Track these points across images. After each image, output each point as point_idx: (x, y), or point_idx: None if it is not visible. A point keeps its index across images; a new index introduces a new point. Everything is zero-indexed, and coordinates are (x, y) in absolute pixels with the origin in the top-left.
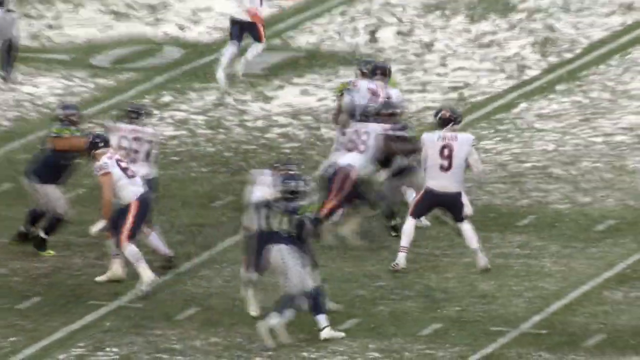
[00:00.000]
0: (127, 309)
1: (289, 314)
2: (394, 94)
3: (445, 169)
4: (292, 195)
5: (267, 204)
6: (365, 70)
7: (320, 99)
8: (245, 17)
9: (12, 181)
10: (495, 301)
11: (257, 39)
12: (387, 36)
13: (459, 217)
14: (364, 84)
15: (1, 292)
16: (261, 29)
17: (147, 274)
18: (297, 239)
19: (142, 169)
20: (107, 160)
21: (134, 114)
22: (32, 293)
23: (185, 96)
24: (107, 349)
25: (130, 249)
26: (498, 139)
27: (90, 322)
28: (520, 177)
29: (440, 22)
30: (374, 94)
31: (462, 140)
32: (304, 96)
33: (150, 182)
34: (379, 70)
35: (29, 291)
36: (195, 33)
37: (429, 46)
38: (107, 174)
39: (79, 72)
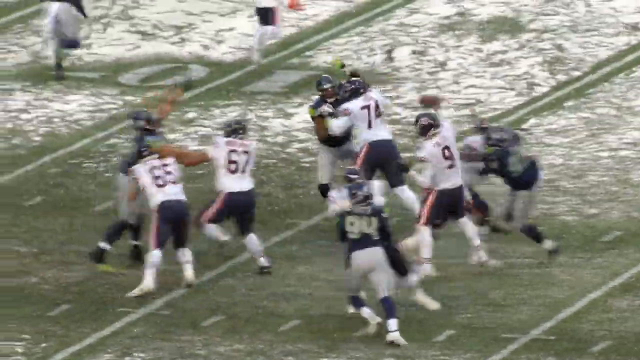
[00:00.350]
0: (154, 316)
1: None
2: (380, 98)
3: (451, 165)
4: (366, 200)
5: (349, 212)
6: (330, 89)
7: None
8: (264, 4)
9: (43, 194)
10: (505, 309)
11: (272, 22)
12: (402, 55)
13: (461, 212)
14: (356, 106)
15: (33, 300)
16: (278, 15)
17: (147, 282)
18: (384, 237)
19: (243, 182)
20: (139, 167)
21: (241, 129)
22: (62, 301)
23: (209, 113)
24: (135, 354)
25: (154, 254)
26: None
27: (119, 328)
28: None
29: (453, 42)
30: (369, 109)
31: (448, 133)
32: None
33: (249, 193)
34: (361, 89)
35: (59, 299)
36: (219, 52)
37: (442, 65)
38: (135, 179)
39: (108, 90)
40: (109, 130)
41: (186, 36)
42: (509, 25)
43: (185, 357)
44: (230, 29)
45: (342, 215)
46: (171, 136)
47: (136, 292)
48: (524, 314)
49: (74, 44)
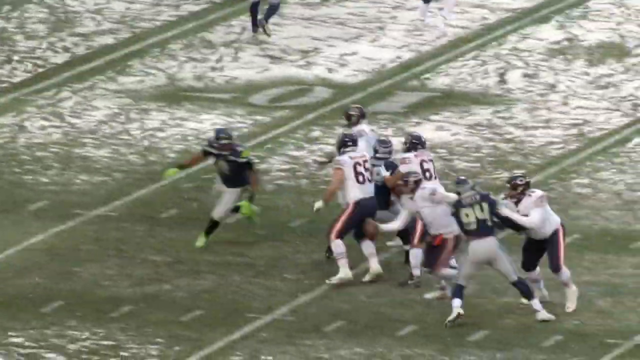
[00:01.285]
0: (281, 322)
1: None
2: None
3: None
4: (472, 188)
5: (462, 205)
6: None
7: (454, 134)
8: None
9: (177, 207)
10: (612, 316)
11: None
12: (514, 78)
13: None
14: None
15: (166, 306)
16: None
17: (343, 271)
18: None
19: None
20: (346, 158)
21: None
22: (194, 307)
23: (332, 131)
24: (263, 357)
25: (336, 244)
26: (614, 170)
27: (248, 333)
28: (633, 205)
29: (562, 66)
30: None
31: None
32: (439, 131)
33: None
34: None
35: (192, 305)
36: (342, 75)
37: (552, 87)
38: (339, 169)
39: (238, 110)
40: None
41: (312, 60)
42: (616, 50)
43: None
44: (354, 53)
45: (456, 208)
46: (297, 153)
47: (334, 281)
48: (629, 320)
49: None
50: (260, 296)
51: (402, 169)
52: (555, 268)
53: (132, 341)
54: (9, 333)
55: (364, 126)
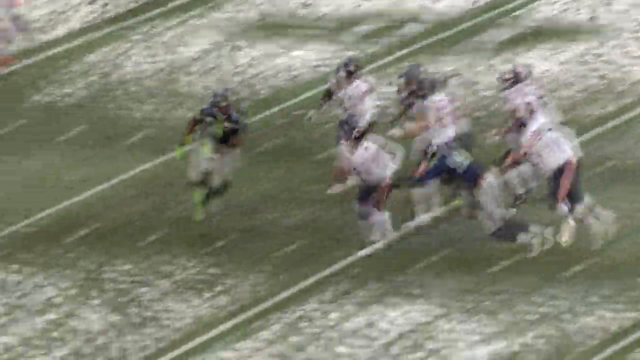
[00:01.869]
0: (374, 258)
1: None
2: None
3: None
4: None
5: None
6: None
7: (544, 71)
8: None
9: (268, 142)
10: None
11: None
12: (607, 15)
13: None
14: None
15: (261, 240)
16: None
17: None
18: None
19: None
20: None
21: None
22: (289, 241)
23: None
24: (355, 292)
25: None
26: None
27: (342, 267)
28: None
29: None
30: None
31: None
32: (530, 69)
33: None
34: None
35: (287, 239)
36: (434, 12)
37: None
38: None
39: (329, 46)
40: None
41: None
42: None
43: (399, 295)
44: None
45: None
46: (387, 90)
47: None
48: None
49: None
50: (355, 232)
51: (508, 105)
52: (551, 204)
53: (225, 276)
54: (103, 268)
55: (361, 83)
